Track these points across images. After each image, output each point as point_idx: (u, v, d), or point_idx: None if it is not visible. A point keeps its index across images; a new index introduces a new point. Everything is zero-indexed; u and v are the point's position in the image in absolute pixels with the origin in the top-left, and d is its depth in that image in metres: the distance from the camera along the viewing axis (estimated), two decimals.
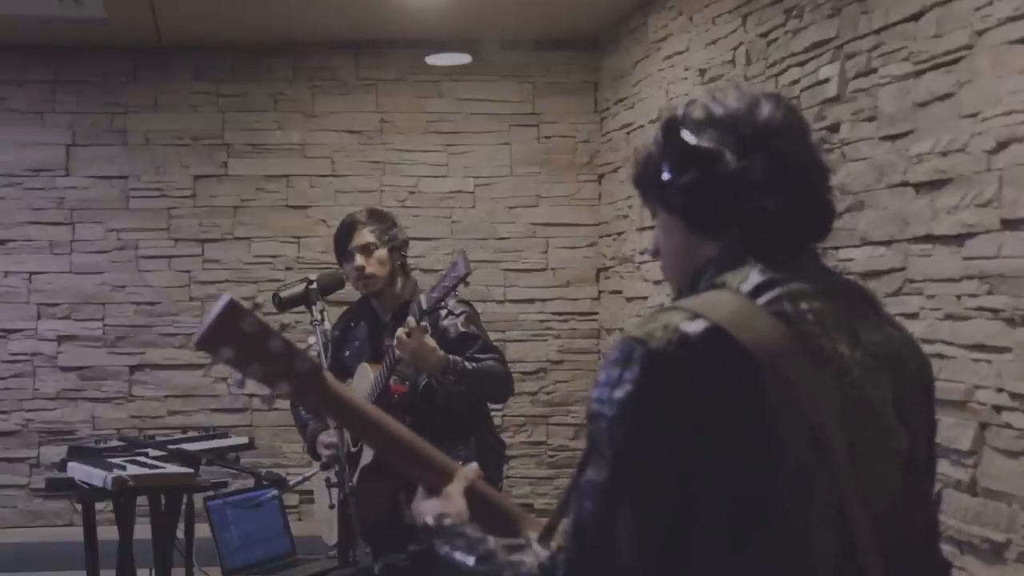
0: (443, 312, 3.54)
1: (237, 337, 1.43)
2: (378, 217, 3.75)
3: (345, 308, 3.97)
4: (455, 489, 1.55)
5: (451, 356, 3.41)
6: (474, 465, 1.62)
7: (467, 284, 3.25)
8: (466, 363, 3.46)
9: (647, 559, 1.23)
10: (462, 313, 3.61)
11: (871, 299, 1.43)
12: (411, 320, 3.31)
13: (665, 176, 1.39)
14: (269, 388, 1.48)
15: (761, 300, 1.30)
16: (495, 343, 3.74)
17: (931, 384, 1.45)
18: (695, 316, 1.25)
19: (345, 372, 3.72)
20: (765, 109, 1.39)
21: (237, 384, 1.48)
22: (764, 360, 1.23)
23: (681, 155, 1.38)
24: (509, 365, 3.74)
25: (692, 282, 1.40)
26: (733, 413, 1.22)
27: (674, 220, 1.42)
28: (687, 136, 1.38)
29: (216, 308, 1.42)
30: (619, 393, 1.25)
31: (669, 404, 1.23)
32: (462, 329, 3.57)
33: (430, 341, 3.36)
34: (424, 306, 3.27)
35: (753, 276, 1.33)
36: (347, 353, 3.81)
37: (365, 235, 3.67)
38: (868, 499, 1.26)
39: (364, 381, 3.60)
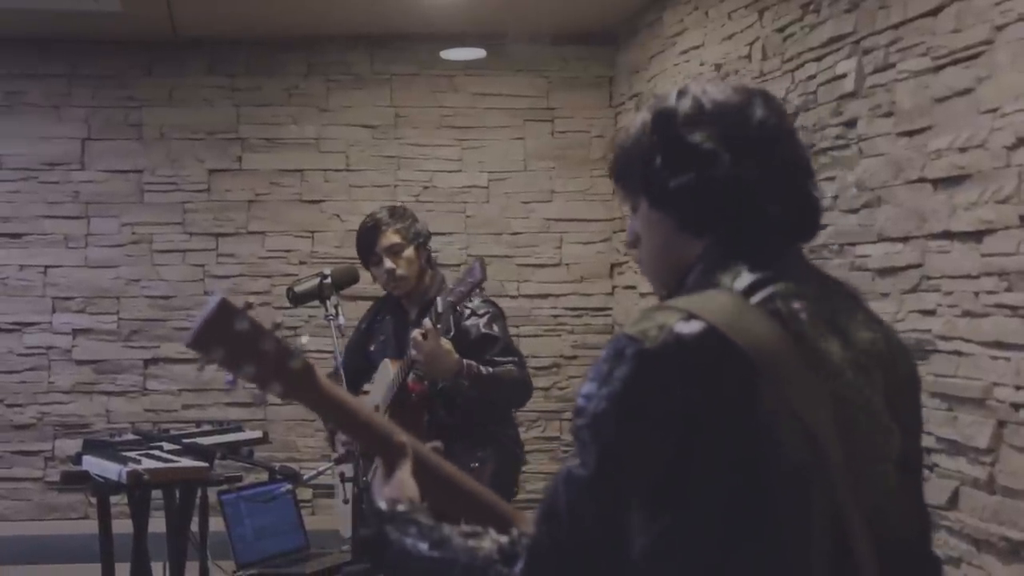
0: (467, 311, 3.52)
1: (229, 337, 1.42)
2: (399, 215, 3.69)
3: (373, 301, 3.96)
4: (405, 473, 1.51)
5: (466, 361, 3.37)
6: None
7: (482, 290, 3.25)
8: (482, 368, 3.42)
9: (624, 556, 1.23)
10: (485, 314, 3.56)
11: (857, 297, 1.43)
12: (427, 322, 3.29)
13: (659, 173, 1.37)
14: (261, 388, 1.47)
15: (755, 299, 1.30)
16: (517, 346, 3.67)
17: (918, 381, 1.45)
18: (691, 316, 1.24)
19: (370, 366, 3.72)
20: (758, 110, 1.38)
21: (228, 383, 1.48)
22: (760, 361, 1.22)
23: (677, 153, 1.36)
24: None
25: (679, 279, 1.39)
26: (727, 415, 1.21)
27: (660, 216, 1.40)
28: (684, 134, 1.36)
29: (207, 308, 1.41)
30: (607, 390, 1.24)
31: (657, 405, 1.22)
32: (483, 330, 3.52)
33: (445, 344, 3.31)
34: (440, 309, 3.25)
35: (745, 275, 1.32)
36: (372, 348, 3.79)
37: (391, 236, 3.61)
38: (863, 498, 1.26)
39: (385, 377, 3.59)
